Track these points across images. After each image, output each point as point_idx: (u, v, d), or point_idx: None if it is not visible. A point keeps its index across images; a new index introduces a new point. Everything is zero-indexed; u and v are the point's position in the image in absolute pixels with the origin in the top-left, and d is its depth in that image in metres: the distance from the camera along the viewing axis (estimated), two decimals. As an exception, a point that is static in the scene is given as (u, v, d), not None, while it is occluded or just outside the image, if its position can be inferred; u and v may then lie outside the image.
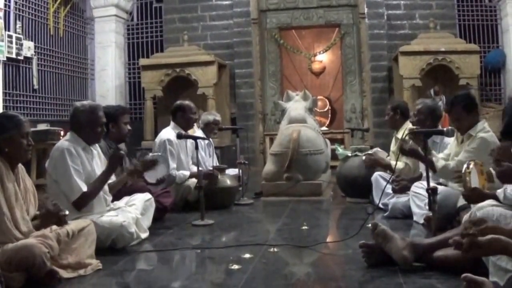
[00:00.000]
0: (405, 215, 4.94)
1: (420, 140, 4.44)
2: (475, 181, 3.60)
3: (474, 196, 3.46)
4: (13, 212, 3.20)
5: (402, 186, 5.04)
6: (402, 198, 5.06)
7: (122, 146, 5.23)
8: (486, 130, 4.47)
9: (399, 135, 5.71)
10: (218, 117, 7.09)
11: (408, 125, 5.72)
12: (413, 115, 5.42)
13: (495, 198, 3.38)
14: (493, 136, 4.44)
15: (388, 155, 6.16)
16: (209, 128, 6.87)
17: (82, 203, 4.01)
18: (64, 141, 4.13)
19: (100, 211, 4.15)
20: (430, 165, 4.30)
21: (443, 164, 4.48)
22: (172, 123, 6.22)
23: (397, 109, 5.90)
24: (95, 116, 4.19)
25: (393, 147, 6.04)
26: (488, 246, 2.26)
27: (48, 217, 3.37)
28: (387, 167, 5.78)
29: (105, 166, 4.23)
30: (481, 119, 4.59)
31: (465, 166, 3.67)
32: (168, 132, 6.08)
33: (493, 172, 3.73)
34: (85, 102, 4.31)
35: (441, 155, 4.81)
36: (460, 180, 3.87)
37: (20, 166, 3.48)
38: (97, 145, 4.37)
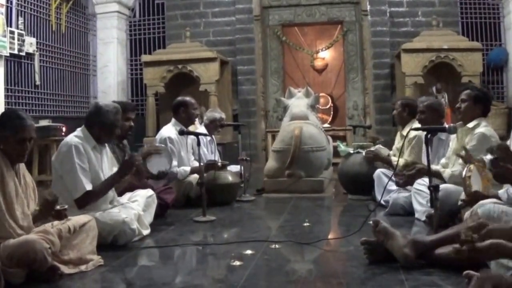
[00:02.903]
0: (406, 210, 4.95)
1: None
2: (476, 183, 3.60)
3: (476, 199, 3.45)
4: (13, 207, 3.20)
5: (406, 179, 5.03)
6: (402, 194, 5.07)
7: (124, 142, 5.24)
8: (484, 125, 4.47)
9: (405, 132, 5.75)
10: (224, 115, 7.11)
11: (414, 123, 5.73)
12: (419, 112, 5.43)
13: (497, 198, 3.38)
14: (491, 131, 4.45)
15: (391, 151, 6.17)
16: (213, 125, 6.88)
17: (84, 202, 4.00)
18: (74, 137, 4.11)
19: (104, 209, 4.15)
20: (437, 174, 4.35)
21: (449, 173, 4.50)
22: (173, 120, 6.21)
23: (406, 106, 5.90)
24: (117, 118, 4.23)
25: (397, 143, 6.05)
26: (487, 251, 2.26)
27: (45, 207, 3.37)
28: (387, 162, 5.79)
29: (116, 170, 4.23)
30: (482, 120, 4.56)
31: (464, 170, 3.66)
32: (169, 130, 6.08)
33: None
34: (108, 103, 4.33)
35: (443, 160, 4.81)
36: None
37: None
38: (106, 144, 4.36)
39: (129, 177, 4.50)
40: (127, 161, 4.22)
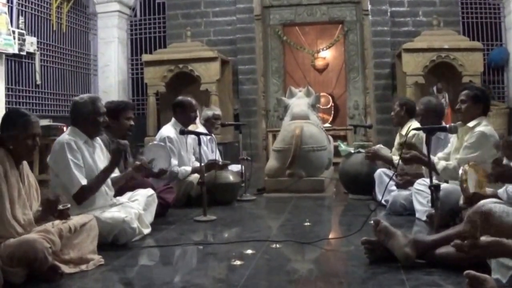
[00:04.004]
0: (406, 209, 4.94)
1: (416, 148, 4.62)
2: (472, 185, 3.59)
3: (475, 201, 3.45)
4: (16, 207, 3.20)
5: (406, 180, 5.04)
6: (403, 192, 5.07)
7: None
8: (484, 124, 4.48)
9: (403, 131, 5.77)
10: (218, 112, 7.08)
11: (412, 123, 5.74)
12: (419, 115, 5.43)
13: (496, 197, 3.37)
14: (491, 130, 4.46)
15: (391, 152, 6.17)
16: (210, 123, 6.87)
17: (82, 197, 4.01)
18: (65, 135, 4.15)
19: (103, 205, 4.16)
20: (433, 167, 4.33)
21: (444, 165, 4.50)
22: (173, 119, 6.22)
23: (403, 106, 5.95)
24: (96, 107, 4.20)
25: (397, 144, 6.06)
26: (489, 248, 2.26)
27: (48, 206, 3.37)
28: (388, 162, 5.80)
29: (108, 160, 4.24)
30: (483, 119, 4.57)
31: (460, 172, 3.66)
32: (168, 129, 6.08)
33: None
34: (83, 95, 4.33)
35: (440, 154, 4.81)
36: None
37: (24, 162, 3.48)
38: (98, 138, 4.37)
39: (131, 173, 4.53)
40: (114, 148, 4.24)
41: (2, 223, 3.12)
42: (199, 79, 10.43)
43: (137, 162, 4.59)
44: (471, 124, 4.49)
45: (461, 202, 3.88)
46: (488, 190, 3.60)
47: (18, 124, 3.31)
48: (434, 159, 4.66)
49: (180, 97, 6.42)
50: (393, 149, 6.18)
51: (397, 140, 6.13)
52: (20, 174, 3.36)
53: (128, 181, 4.63)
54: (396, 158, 5.57)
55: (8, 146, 3.28)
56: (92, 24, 11.48)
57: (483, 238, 2.30)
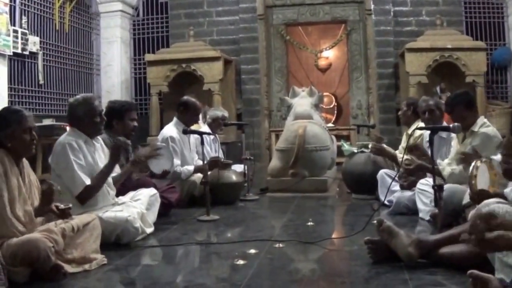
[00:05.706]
0: (410, 209, 4.94)
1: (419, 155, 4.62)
2: (481, 181, 3.57)
3: (482, 198, 3.44)
4: (16, 206, 3.20)
5: (410, 182, 5.03)
6: (406, 193, 5.06)
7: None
8: (487, 125, 4.49)
9: (410, 131, 5.76)
10: (226, 113, 7.09)
11: (420, 123, 5.72)
12: (423, 112, 5.42)
13: (503, 197, 3.36)
14: (494, 130, 4.46)
15: (397, 151, 6.16)
16: (216, 124, 6.87)
17: (86, 197, 4.01)
18: (66, 136, 4.15)
19: (105, 205, 4.16)
20: (437, 171, 4.33)
21: (449, 171, 4.50)
22: (175, 119, 6.21)
23: (410, 106, 5.93)
24: (90, 107, 4.18)
25: (403, 143, 6.04)
26: (496, 242, 2.25)
27: (44, 198, 3.36)
28: (392, 158, 5.79)
29: (108, 158, 4.24)
30: (479, 116, 4.60)
31: (471, 168, 3.64)
32: (170, 129, 6.08)
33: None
34: (78, 96, 4.32)
35: (446, 160, 4.80)
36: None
37: (25, 160, 3.48)
38: (99, 138, 4.36)
39: (129, 169, 4.52)
40: (114, 144, 4.25)
41: (3, 223, 3.13)
42: (202, 78, 10.43)
43: (134, 157, 4.59)
44: (475, 128, 4.48)
45: (467, 196, 3.87)
46: (496, 186, 3.58)
47: (12, 121, 3.32)
48: (440, 163, 4.66)
49: (185, 97, 6.41)
50: (400, 146, 6.17)
51: (403, 140, 6.12)
52: (21, 173, 3.37)
53: (128, 178, 4.63)
54: (400, 156, 5.57)
55: (6, 145, 3.28)
56: (94, 23, 11.49)
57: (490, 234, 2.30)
